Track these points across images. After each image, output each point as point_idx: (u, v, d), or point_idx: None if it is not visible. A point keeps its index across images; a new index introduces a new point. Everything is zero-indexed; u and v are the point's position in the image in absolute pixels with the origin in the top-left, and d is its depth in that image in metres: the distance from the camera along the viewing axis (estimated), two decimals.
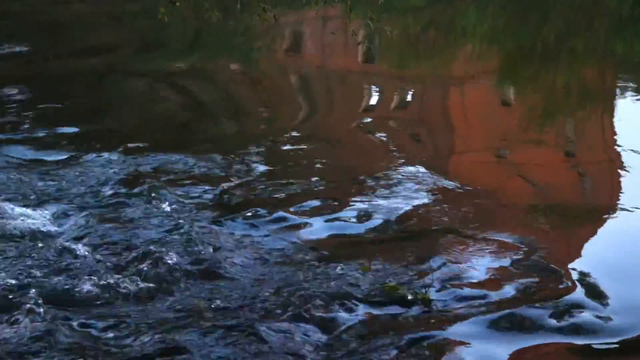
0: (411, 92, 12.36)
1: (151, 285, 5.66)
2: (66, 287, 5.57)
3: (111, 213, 6.92)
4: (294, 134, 9.78)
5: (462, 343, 5.20)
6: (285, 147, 9.11)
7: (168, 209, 7.03)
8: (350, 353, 5.02)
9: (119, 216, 6.85)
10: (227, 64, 14.30)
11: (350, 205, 7.31)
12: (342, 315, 5.42)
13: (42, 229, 6.59)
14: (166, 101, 11.46)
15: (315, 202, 7.37)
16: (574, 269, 6.16)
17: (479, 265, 6.21)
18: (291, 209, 7.18)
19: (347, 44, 14.01)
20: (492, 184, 8.17)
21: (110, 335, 5.09)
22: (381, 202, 7.39)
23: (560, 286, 5.88)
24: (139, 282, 5.67)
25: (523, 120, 10.78)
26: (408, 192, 7.63)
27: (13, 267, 5.83)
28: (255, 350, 4.97)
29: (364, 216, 7.09)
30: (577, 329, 5.34)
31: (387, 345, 5.12)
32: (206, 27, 15.37)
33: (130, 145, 8.82)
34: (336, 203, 7.36)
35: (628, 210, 7.42)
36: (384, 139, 9.81)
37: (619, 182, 8.32)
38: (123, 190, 7.45)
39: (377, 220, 7.01)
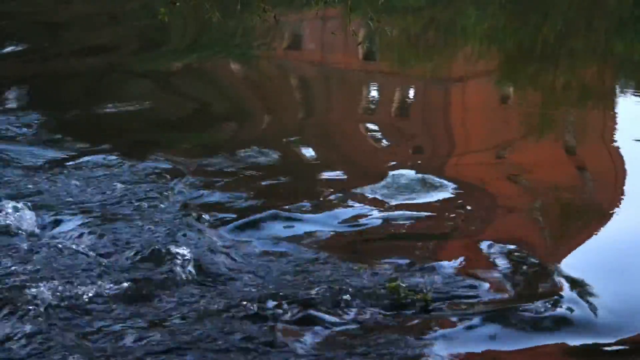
0: (411, 92, 12.36)
1: (152, 285, 5.67)
2: (67, 287, 5.57)
3: (112, 214, 6.92)
4: (295, 134, 9.78)
5: (461, 343, 5.21)
6: (286, 147, 9.11)
7: (168, 209, 7.04)
8: (350, 353, 5.03)
9: (119, 217, 6.85)
10: (227, 64, 14.30)
11: (349, 206, 7.32)
12: (342, 315, 5.42)
13: (41, 229, 6.60)
14: (166, 101, 11.46)
15: (316, 203, 7.37)
16: (574, 269, 6.16)
17: (479, 265, 6.22)
18: (291, 209, 7.18)
19: (348, 43, 14.01)
20: (492, 184, 8.18)
21: (111, 335, 5.10)
22: (381, 202, 7.40)
23: (560, 286, 5.88)
24: (140, 283, 5.67)
25: (523, 120, 10.78)
26: (408, 192, 7.64)
27: (13, 268, 5.83)
28: (255, 350, 4.97)
29: (363, 216, 7.10)
30: (576, 330, 5.35)
31: (387, 345, 5.12)
32: (206, 27, 15.37)
33: (130, 145, 8.82)
34: (336, 203, 7.36)
35: (628, 210, 7.42)
36: (384, 139, 9.82)
37: (620, 181, 8.32)
38: (123, 191, 7.45)
39: (377, 221, 7.01)
